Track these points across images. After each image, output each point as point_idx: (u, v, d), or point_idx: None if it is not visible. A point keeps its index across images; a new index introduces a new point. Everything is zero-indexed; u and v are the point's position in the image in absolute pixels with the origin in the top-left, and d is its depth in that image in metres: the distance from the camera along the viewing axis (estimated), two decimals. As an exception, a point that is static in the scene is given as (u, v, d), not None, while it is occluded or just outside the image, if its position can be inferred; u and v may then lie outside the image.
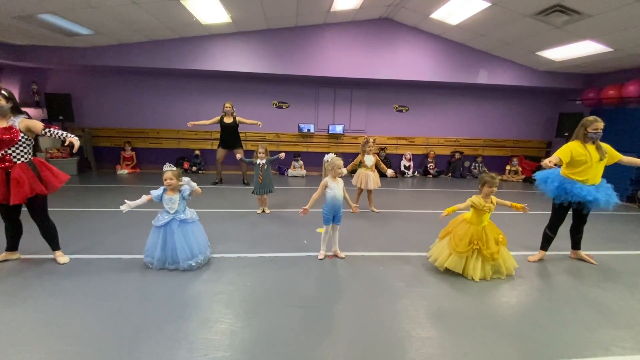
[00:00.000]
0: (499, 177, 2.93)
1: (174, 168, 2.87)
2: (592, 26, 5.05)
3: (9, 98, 2.61)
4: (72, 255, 3.01)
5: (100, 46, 6.41)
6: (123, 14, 5.02)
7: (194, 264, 2.85)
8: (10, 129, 2.58)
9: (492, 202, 2.83)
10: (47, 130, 2.68)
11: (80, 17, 4.98)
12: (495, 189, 2.80)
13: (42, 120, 7.10)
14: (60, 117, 7.02)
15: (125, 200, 2.81)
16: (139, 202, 2.83)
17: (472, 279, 2.79)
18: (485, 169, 8.55)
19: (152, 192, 2.86)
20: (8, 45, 6.08)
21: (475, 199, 2.83)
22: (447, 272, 2.94)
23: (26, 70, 7.13)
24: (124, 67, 6.84)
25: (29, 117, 2.77)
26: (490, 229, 2.87)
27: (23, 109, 2.77)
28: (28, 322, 2.08)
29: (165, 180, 2.81)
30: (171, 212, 2.82)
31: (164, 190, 2.85)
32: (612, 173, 3.34)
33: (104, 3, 4.60)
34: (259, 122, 6.23)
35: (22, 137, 2.62)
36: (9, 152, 2.59)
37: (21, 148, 2.63)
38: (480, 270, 2.80)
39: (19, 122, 2.63)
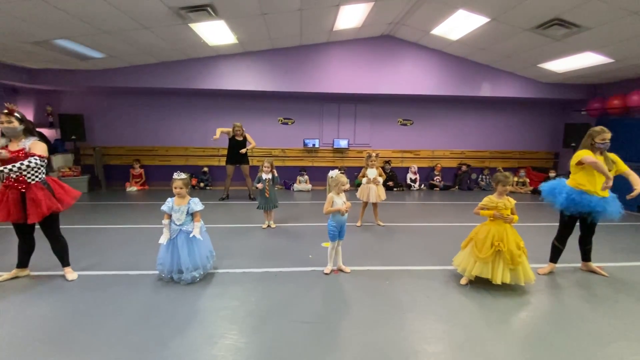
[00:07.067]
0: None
1: (184, 176, 2.93)
2: (591, 38, 5.10)
3: (22, 120, 2.71)
4: (80, 272, 3.05)
5: (111, 68, 6.66)
6: (135, 38, 5.24)
7: (197, 276, 2.88)
8: (21, 151, 2.66)
9: (508, 201, 2.85)
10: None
11: (94, 41, 5.21)
12: (509, 187, 2.87)
13: (56, 140, 7.38)
14: (73, 137, 7.23)
15: (163, 238, 2.87)
16: (166, 230, 2.87)
17: (494, 281, 2.75)
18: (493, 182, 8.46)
19: (163, 209, 2.89)
20: (24, 68, 6.36)
21: (486, 199, 2.89)
22: (455, 286, 2.92)
23: (41, 93, 7.41)
24: (134, 88, 7.07)
25: (43, 138, 2.86)
26: (512, 232, 2.85)
27: (38, 129, 2.86)
28: (36, 339, 2.10)
29: (175, 188, 2.88)
30: (178, 223, 2.87)
31: (172, 201, 2.91)
32: (623, 183, 3.27)
33: (117, 28, 4.81)
34: (252, 145, 6.44)
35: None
36: (24, 172, 2.68)
37: (35, 169, 2.71)
38: (502, 275, 2.75)
39: (29, 144, 2.71)
